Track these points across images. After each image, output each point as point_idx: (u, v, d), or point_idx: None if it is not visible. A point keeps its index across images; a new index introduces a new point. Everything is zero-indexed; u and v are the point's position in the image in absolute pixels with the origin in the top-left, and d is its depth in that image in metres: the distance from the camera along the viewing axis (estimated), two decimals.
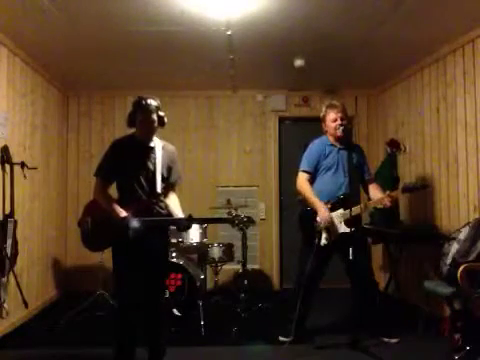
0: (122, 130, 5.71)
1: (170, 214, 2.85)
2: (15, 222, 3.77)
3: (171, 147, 2.95)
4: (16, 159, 3.93)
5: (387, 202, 3.39)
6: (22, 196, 4.15)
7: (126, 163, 2.76)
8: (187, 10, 3.31)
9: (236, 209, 4.38)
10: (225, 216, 4.49)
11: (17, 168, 3.94)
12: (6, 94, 3.88)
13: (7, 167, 3.77)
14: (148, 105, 2.72)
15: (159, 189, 2.79)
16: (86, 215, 2.86)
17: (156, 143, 2.85)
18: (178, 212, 2.85)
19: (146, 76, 4.95)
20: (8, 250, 3.63)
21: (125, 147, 2.80)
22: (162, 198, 2.86)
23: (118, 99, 5.58)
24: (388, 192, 3.45)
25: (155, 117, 2.76)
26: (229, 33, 3.73)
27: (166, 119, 2.84)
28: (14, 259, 3.76)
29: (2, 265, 3.57)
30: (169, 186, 2.92)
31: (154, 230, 2.75)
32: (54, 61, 4.46)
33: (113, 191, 2.87)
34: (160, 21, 3.50)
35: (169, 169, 2.88)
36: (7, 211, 3.73)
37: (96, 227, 2.81)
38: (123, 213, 2.67)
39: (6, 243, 3.63)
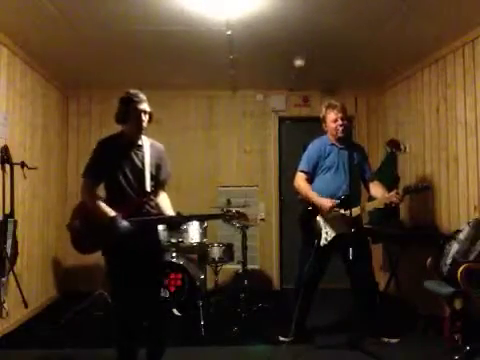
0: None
1: (160, 213, 2.80)
2: (15, 222, 3.78)
3: (159, 145, 2.90)
4: (16, 159, 3.93)
5: (395, 199, 3.36)
6: (22, 196, 4.15)
7: (114, 162, 2.69)
8: (187, 10, 3.31)
9: (244, 207, 4.36)
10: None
11: (17, 168, 3.95)
12: (6, 94, 3.88)
13: (7, 167, 3.77)
14: (141, 99, 2.70)
15: (148, 187, 2.73)
16: (75, 218, 2.81)
17: (144, 141, 2.80)
18: (168, 211, 2.80)
19: (146, 76, 4.95)
20: (8, 250, 3.63)
21: (112, 146, 2.75)
22: (152, 197, 2.80)
23: (118, 99, 5.56)
24: (396, 190, 3.43)
25: (148, 110, 2.73)
26: (229, 33, 3.73)
27: (153, 115, 2.79)
28: (14, 259, 3.76)
29: (2, 265, 3.57)
30: (159, 184, 2.86)
31: (144, 229, 2.69)
32: (54, 61, 4.46)
33: (101, 192, 2.81)
34: (160, 21, 3.50)
35: (158, 167, 2.82)
36: (7, 211, 3.73)
37: (85, 229, 2.74)
38: (112, 213, 2.60)
39: (6, 243, 3.63)
